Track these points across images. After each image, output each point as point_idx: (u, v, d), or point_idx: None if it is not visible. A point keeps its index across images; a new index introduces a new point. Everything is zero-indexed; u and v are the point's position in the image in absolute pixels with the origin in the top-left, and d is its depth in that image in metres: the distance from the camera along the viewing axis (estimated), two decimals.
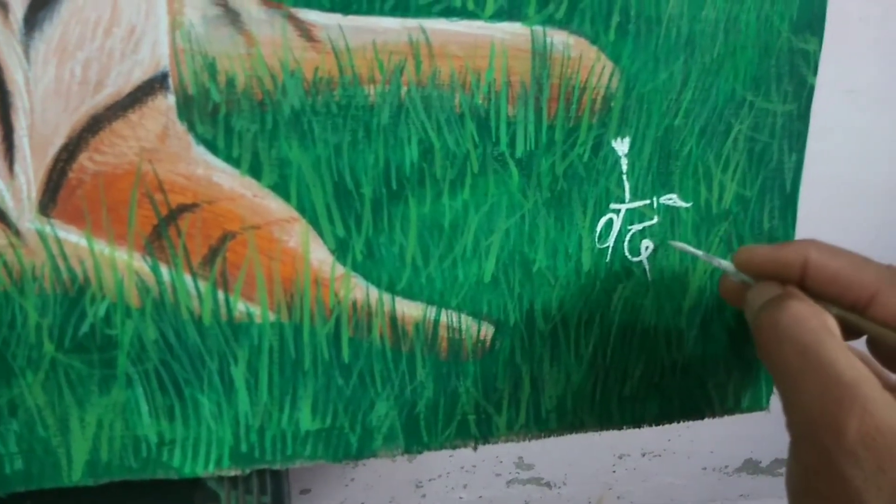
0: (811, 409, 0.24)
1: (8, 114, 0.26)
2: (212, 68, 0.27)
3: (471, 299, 0.33)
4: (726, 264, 0.32)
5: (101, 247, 0.28)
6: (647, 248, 0.35)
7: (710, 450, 0.70)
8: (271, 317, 0.30)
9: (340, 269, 0.31)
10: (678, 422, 0.37)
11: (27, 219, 0.27)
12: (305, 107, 0.29)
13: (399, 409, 0.33)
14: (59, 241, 0.27)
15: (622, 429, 0.37)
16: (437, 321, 0.32)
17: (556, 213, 0.33)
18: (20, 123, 0.26)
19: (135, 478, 0.30)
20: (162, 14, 0.27)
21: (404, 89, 0.30)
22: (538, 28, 0.31)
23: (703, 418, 0.38)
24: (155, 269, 0.29)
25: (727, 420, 0.39)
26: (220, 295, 0.29)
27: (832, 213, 0.57)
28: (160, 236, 0.28)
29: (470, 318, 0.33)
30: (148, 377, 0.29)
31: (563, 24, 0.31)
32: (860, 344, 0.29)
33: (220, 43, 0.27)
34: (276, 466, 0.32)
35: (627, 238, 0.34)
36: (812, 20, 0.34)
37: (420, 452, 0.33)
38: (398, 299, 0.32)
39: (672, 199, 0.35)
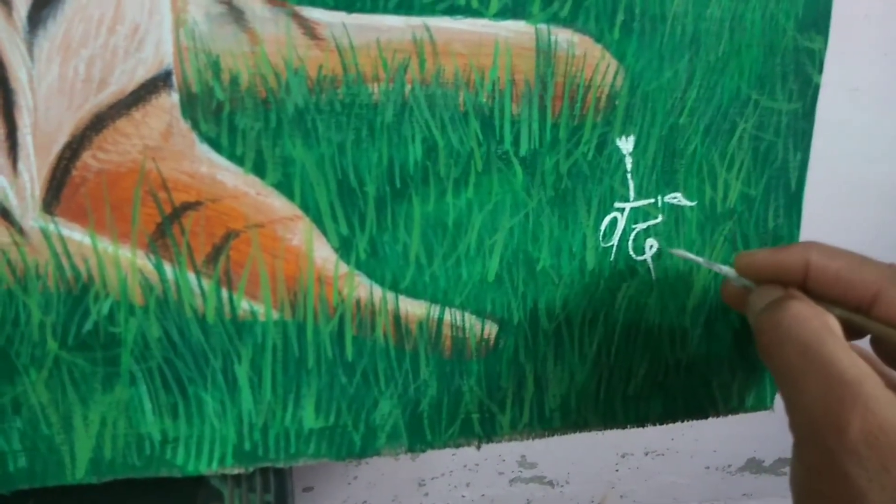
0: (814, 408, 0.24)
1: (11, 112, 0.26)
2: (215, 66, 0.27)
3: (474, 298, 0.32)
4: (727, 269, 0.32)
5: (105, 245, 0.28)
6: (651, 246, 0.35)
7: (714, 449, 0.70)
8: (275, 315, 0.30)
9: (344, 268, 0.31)
10: (682, 421, 0.37)
11: (31, 217, 0.27)
12: (309, 105, 0.29)
13: (403, 407, 0.33)
14: (62, 238, 0.27)
15: (626, 428, 0.36)
16: (440, 320, 0.32)
17: (560, 212, 0.33)
18: (24, 121, 0.26)
19: (138, 476, 0.30)
20: (165, 12, 0.27)
21: (408, 87, 0.30)
22: (542, 26, 0.31)
23: (707, 418, 0.38)
24: (158, 267, 0.29)
25: (730, 419, 0.39)
26: (224, 293, 0.29)
27: (836, 212, 0.57)
28: (164, 234, 0.28)
29: (474, 316, 0.33)
30: (151, 375, 0.29)
31: (568, 23, 0.31)
32: (864, 343, 0.29)
33: (224, 41, 0.27)
34: (280, 465, 0.32)
35: (632, 237, 0.34)
36: (817, 18, 0.34)
37: (423, 451, 0.33)
38: (402, 298, 0.32)
39: (676, 198, 0.34)
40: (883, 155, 0.57)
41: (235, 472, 0.31)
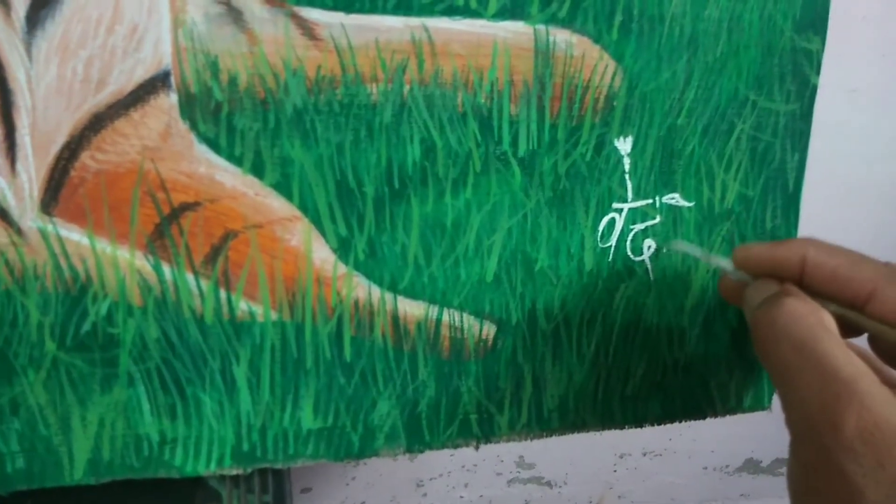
0: (809, 405, 0.24)
1: (10, 112, 0.26)
2: (214, 67, 0.27)
3: (473, 298, 0.33)
4: (725, 263, 0.32)
5: (103, 245, 0.28)
6: (649, 247, 0.35)
7: (711, 449, 0.70)
8: (273, 316, 0.30)
9: (343, 268, 0.31)
10: (680, 421, 0.37)
11: (29, 217, 0.27)
12: (308, 105, 0.29)
13: (401, 408, 0.33)
14: (60, 239, 0.27)
15: (624, 428, 0.37)
16: (439, 320, 0.32)
17: (558, 213, 0.33)
18: (22, 122, 0.26)
19: (136, 476, 0.30)
20: (164, 12, 0.27)
21: (407, 88, 0.30)
22: (541, 27, 0.31)
23: (704, 418, 0.38)
24: (157, 268, 0.29)
25: (728, 419, 0.39)
26: (223, 294, 0.29)
27: (834, 213, 0.57)
28: (162, 235, 0.28)
29: (472, 317, 0.33)
30: (150, 376, 0.29)
31: (566, 23, 0.31)
32: (861, 341, 0.29)
33: (223, 41, 0.27)
34: (278, 465, 0.32)
35: (630, 237, 0.34)
36: (815, 19, 0.34)
37: (422, 452, 0.33)
38: (400, 298, 0.32)
39: (674, 199, 0.34)
40: (880, 156, 0.57)
41: (234, 472, 0.31)
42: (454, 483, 0.65)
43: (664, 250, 0.35)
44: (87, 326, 0.28)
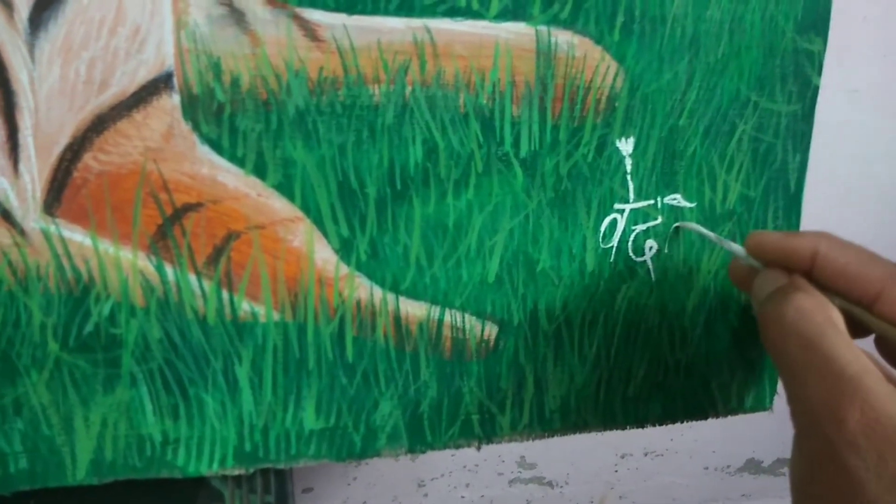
0: (814, 400, 0.25)
1: (13, 113, 0.26)
2: (216, 68, 0.27)
3: (475, 299, 0.33)
4: (737, 248, 0.32)
5: (106, 246, 0.28)
6: (650, 248, 0.35)
7: (713, 449, 0.70)
8: (276, 316, 0.30)
9: (345, 269, 0.31)
10: (682, 422, 0.37)
11: (32, 218, 0.27)
12: (310, 106, 0.29)
13: (403, 408, 0.33)
14: (63, 240, 0.27)
15: (625, 429, 0.37)
16: (440, 321, 0.32)
17: (560, 213, 0.33)
18: (25, 123, 0.26)
19: (139, 477, 0.30)
20: (167, 14, 0.27)
21: (409, 89, 0.30)
22: (543, 28, 0.31)
23: (706, 418, 0.38)
24: (159, 269, 0.29)
25: (729, 420, 0.39)
26: (225, 294, 0.29)
27: (835, 213, 0.57)
28: (165, 236, 0.28)
29: (474, 317, 0.33)
30: (152, 376, 0.29)
31: (568, 24, 0.31)
32: (867, 344, 0.29)
33: (225, 43, 0.27)
34: (280, 466, 0.32)
35: (631, 238, 0.34)
36: (817, 20, 0.34)
37: (424, 452, 0.34)
38: (402, 299, 0.32)
39: (676, 200, 0.34)
40: (882, 156, 0.57)
41: (236, 473, 0.31)
42: (455, 483, 0.65)
43: (676, 231, 0.35)
44: (89, 327, 0.28)
